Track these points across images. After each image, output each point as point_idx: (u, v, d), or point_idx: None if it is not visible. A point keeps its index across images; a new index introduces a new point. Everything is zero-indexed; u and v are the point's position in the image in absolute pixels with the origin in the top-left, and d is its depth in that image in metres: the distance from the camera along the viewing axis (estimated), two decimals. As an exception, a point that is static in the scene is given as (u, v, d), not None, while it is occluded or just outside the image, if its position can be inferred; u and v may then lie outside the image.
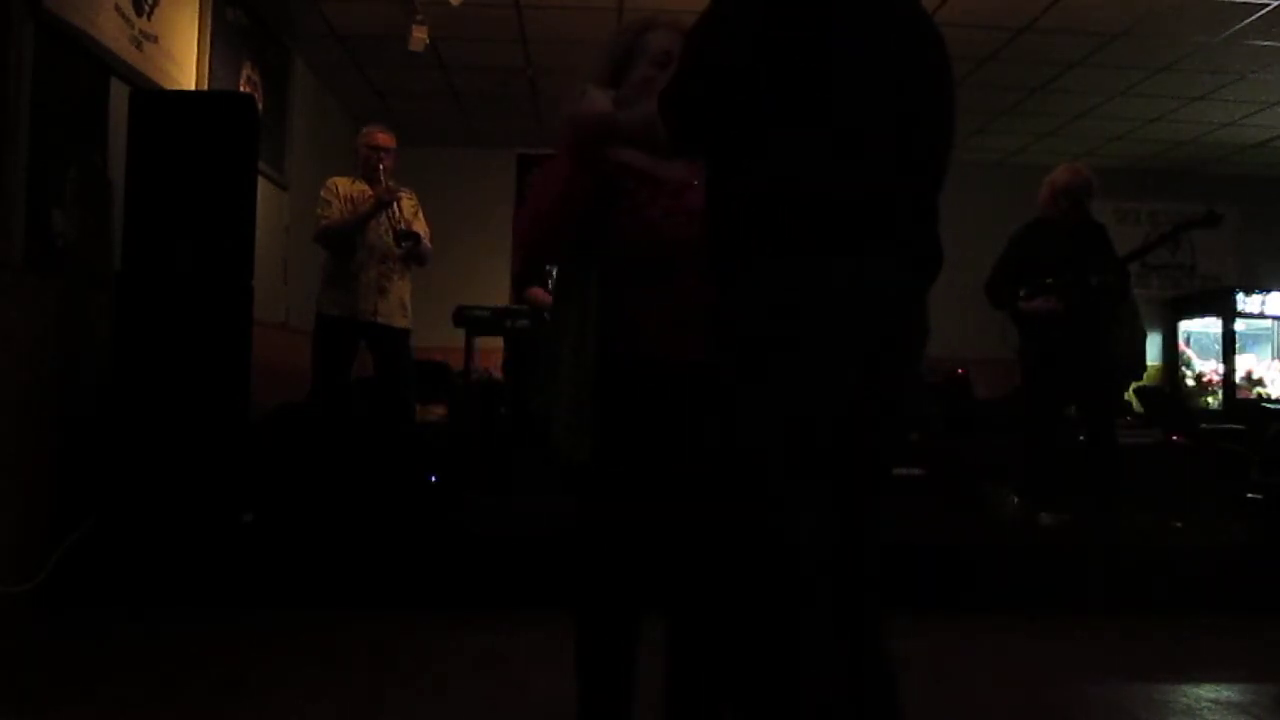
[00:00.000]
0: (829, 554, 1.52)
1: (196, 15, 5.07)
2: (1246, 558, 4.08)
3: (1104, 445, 4.52)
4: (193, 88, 4.94)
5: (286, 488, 4.12)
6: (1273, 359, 9.08)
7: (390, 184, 4.68)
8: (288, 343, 5.71)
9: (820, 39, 1.54)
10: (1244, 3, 5.57)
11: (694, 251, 1.72)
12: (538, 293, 5.84)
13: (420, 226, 4.84)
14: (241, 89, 5.60)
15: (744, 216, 1.56)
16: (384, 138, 4.80)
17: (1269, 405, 8.05)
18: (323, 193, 4.73)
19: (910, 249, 1.59)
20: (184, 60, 4.92)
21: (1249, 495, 5.21)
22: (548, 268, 5.96)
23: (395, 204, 4.65)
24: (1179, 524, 4.52)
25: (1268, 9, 5.60)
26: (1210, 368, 9.11)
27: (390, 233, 4.69)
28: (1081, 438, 4.64)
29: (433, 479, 4.70)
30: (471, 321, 5.48)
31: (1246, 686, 3.01)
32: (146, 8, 4.47)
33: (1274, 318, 9.03)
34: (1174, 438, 6.30)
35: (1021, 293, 4.56)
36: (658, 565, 1.90)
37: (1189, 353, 9.29)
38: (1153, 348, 8.97)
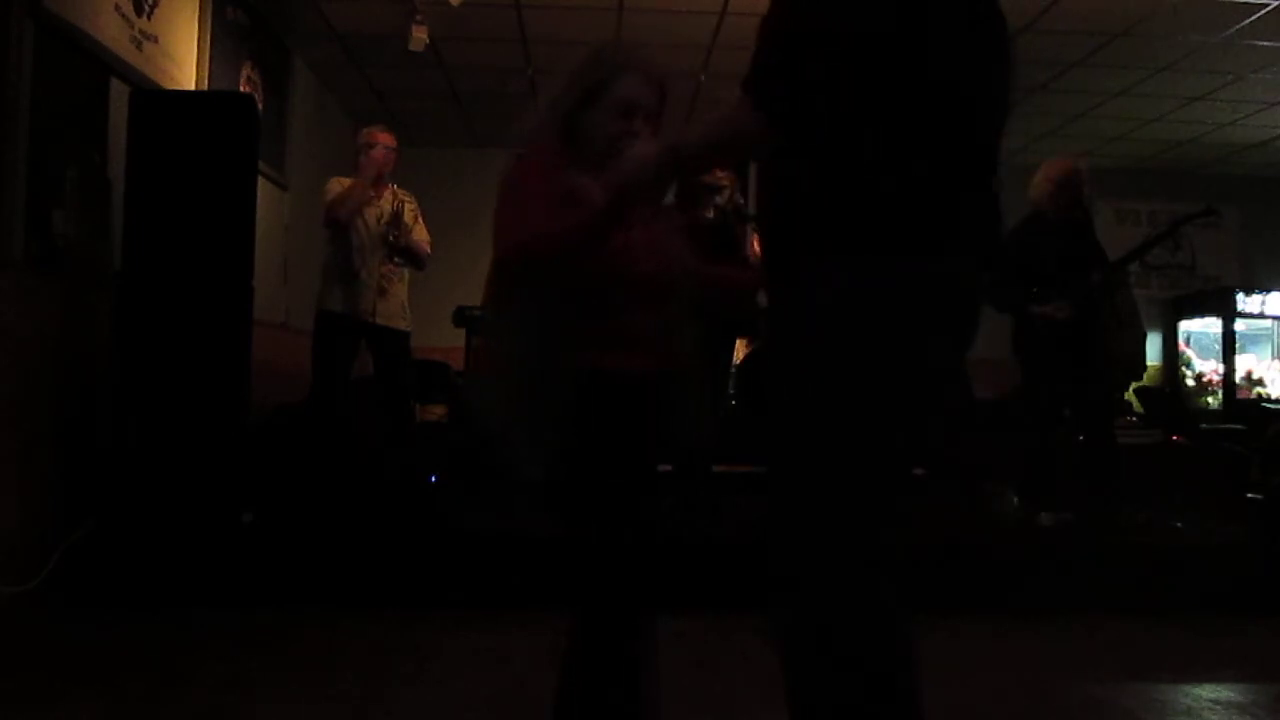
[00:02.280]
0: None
1: (196, 15, 5.07)
2: (1246, 558, 4.08)
3: (1103, 445, 4.50)
4: (193, 88, 4.94)
5: (286, 488, 4.13)
6: (1273, 359, 9.07)
7: (395, 188, 4.70)
8: (288, 343, 5.71)
9: (906, 29, 1.48)
10: (1244, 3, 5.56)
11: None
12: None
13: (420, 231, 4.83)
14: (241, 89, 5.60)
15: (815, 215, 1.51)
16: (384, 136, 4.79)
17: (1269, 405, 8.04)
18: (326, 187, 4.74)
19: (983, 247, 1.59)
20: (184, 60, 4.92)
21: (1249, 495, 5.22)
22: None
23: (398, 207, 4.65)
24: (1179, 524, 4.51)
25: (1268, 9, 5.60)
26: (1210, 368, 9.10)
27: (388, 232, 4.68)
28: (1081, 438, 4.63)
29: (433, 479, 4.71)
30: (471, 321, 5.48)
31: (1246, 686, 3.02)
32: (146, 8, 4.47)
33: (1274, 318, 9.02)
34: (1174, 438, 6.31)
35: (1035, 291, 4.46)
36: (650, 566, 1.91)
37: (1189, 353, 9.28)
38: (1153, 348, 8.95)
